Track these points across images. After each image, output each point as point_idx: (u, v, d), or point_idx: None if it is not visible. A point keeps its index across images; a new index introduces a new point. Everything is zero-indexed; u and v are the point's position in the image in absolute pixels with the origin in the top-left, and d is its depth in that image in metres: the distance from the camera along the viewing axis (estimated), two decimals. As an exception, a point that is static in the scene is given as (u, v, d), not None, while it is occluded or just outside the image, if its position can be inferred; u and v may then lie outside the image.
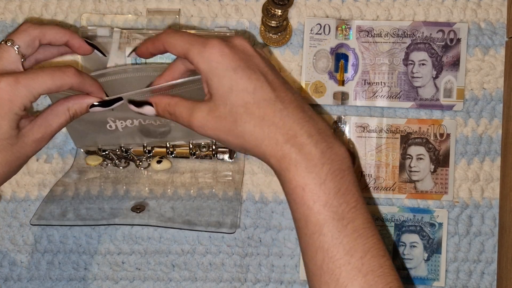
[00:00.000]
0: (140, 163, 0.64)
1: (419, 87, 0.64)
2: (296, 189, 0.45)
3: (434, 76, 0.64)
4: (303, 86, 0.63)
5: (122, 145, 0.62)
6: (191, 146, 0.63)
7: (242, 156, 0.64)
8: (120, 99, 0.52)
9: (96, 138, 0.61)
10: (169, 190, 0.61)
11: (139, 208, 0.59)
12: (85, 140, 0.62)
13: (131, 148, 0.64)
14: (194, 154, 0.63)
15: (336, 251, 0.44)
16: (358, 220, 0.45)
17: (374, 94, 0.63)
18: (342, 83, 0.64)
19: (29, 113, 0.50)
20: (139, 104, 0.51)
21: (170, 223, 0.58)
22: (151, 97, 0.51)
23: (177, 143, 0.63)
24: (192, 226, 0.58)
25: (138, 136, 0.61)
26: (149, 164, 0.64)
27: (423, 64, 0.63)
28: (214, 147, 0.63)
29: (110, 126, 0.59)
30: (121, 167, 0.64)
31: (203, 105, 0.47)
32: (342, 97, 0.64)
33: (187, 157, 0.64)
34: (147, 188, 0.61)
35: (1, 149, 0.47)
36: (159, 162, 0.63)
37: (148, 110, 0.51)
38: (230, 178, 0.63)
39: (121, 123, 0.59)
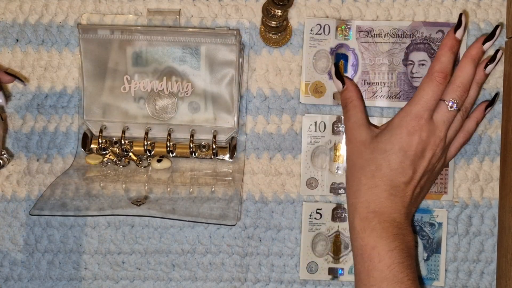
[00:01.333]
0: (140, 162, 0.64)
1: (419, 87, 0.64)
2: (366, 247, 0.54)
3: (433, 76, 0.64)
4: (303, 86, 0.64)
5: (126, 125, 0.63)
6: (191, 145, 0.63)
7: (242, 156, 0.64)
8: None
9: (105, 107, 0.62)
10: (169, 189, 0.61)
11: (139, 201, 0.59)
12: (95, 106, 0.63)
13: (131, 149, 0.64)
14: (195, 154, 0.63)
15: None
16: None
17: (374, 94, 0.64)
18: (342, 83, 0.64)
19: None
20: (339, 75, 0.60)
21: (171, 215, 0.58)
22: (348, 81, 0.60)
23: (178, 139, 0.63)
24: (193, 218, 0.58)
25: (144, 113, 0.63)
26: (149, 163, 0.64)
27: (422, 64, 0.63)
28: (214, 147, 0.63)
29: (124, 88, 0.62)
30: (121, 166, 0.64)
31: (371, 129, 0.58)
32: (342, 97, 0.64)
33: (187, 157, 0.64)
34: (147, 187, 0.61)
35: None
36: (159, 161, 0.63)
37: (338, 84, 0.60)
38: (230, 178, 0.63)
39: (135, 85, 0.61)
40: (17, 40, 0.64)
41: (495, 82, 0.64)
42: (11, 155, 0.64)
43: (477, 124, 0.61)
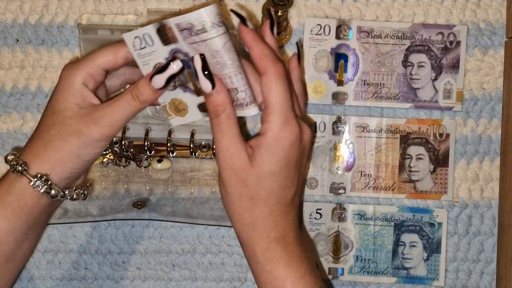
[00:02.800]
0: (140, 162, 0.64)
1: (418, 88, 0.64)
2: (277, 280, 0.49)
3: (433, 78, 0.64)
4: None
5: (126, 125, 0.63)
6: (191, 145, 0.63)
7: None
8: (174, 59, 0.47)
9: None
10: (169, 189, 0.61)
11: (140, 204, 0.59)
12: None
13: (132, 149, 0.64)
14: (195, 154, 0.63)
15: None
16: None
17: (373, 95, 0.64)
18: (342, 83, 0.64)
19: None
20: (208, 75, 0.46)
21: (171, 218, 0.58)
22: (219, 81, 0.47)
23: (178, 139, 0.63)
24: (194, 220, 0.58)
25: (145, 113, 0.62)
26: (149, 163, 0.64)
27: (421, 66, 0.64)
28: (214, 147, 0.63)
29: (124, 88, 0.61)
30: (121, 166, 0.64)
31: (246, 148, 0.48)
32: (342, 97, 0.64)
33: (187, 157, 0.64)
34: (147, 187, 0.62)
35: (64, 120, 0.48)
36: (159, 161, 0.63)
37: (206, 85, 0.46)
38: (230, 178, 0.63)
39: None
40: (17, 40, 0.64)
41: (495, 82, 0.64)
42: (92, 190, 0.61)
43: (302, 81, 0.55)
